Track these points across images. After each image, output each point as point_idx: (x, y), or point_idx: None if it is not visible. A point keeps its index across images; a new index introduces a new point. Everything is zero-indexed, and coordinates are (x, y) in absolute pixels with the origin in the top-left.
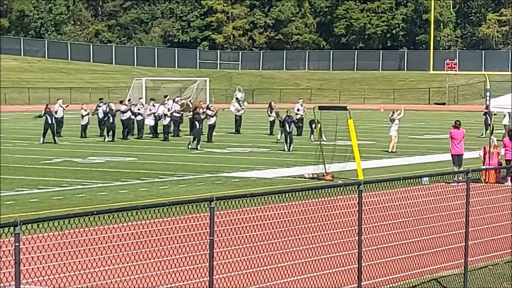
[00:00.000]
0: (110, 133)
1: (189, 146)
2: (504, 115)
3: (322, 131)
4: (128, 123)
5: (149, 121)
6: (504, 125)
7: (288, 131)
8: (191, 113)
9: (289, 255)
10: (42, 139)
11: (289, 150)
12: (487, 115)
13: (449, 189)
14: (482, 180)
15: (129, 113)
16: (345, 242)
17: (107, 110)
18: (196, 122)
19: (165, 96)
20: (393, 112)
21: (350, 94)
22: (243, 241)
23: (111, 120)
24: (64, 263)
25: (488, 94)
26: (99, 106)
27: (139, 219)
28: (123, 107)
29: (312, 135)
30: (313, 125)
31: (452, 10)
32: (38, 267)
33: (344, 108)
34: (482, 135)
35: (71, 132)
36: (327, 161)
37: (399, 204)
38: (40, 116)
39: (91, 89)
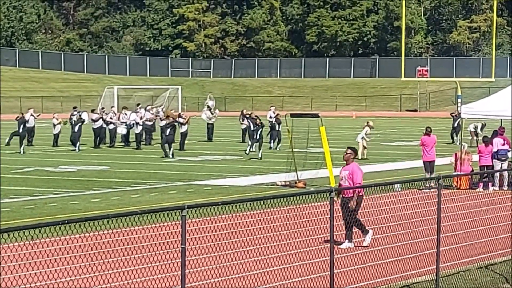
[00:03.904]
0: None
1: (171, 156)
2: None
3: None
4: (100, 131)
5: (121, 130)
6: (470, 131)
7: (257, 138)
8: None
9: (262, 263)
10: (20, 148)
11: (260, 158)
12: (454, 118)
13: (420, 195)
14: (454, 186)
15: (100, 122)
16: (317, 249)
17: (76, 119)
18: (168, 129)
19: (137, 105)
20: (367, 123)
21: (322, 102)
22: (215, 249)
23: (76, 130)
24: (36, 273)
25: (459, 100)
26: (73, 115)
27: (111, 228)
28: (94, 116)
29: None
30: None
31: (423, 17)
32: (9, 277)
33: (316, 116)
34: (453, 142)
35: (43, 141)
36: (299, 168)
37: (371, 210)
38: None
39: (63, 98)
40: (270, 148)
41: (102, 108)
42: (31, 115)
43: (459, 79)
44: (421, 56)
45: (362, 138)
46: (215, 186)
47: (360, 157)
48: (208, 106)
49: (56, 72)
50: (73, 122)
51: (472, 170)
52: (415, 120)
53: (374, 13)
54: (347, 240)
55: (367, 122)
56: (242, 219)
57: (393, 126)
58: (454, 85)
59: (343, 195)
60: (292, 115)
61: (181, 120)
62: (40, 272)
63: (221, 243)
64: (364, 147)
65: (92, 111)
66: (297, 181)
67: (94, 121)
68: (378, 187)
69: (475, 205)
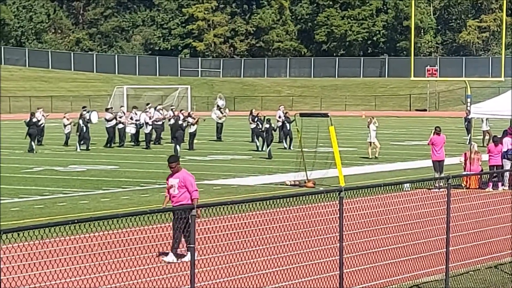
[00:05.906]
0: (83, 142)
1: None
2: (482, 120)
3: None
4: (113, 131)
5: (130, 129)
6: (483, 131)
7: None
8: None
9: (271, 262)
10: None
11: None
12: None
13: (430, 195)
14: (463, 186)
15: (114, 121)
16: (327, 249)
17: (83, 119)
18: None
19: (147, 104)
20: (371, 118)
21: (332, 101)
22: (224, 248)
23: (84, 130)
24: (45, 272)
25: (468, 100)
26: (83, 115)
27: (120, 228)
28: (108, 115)
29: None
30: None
31: (432, 17)
32: (19, 276)
33: (325, 115)
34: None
35: (52, 140)
36: (308, 168)
37: (380, 210)
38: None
39: (72, 98)
40: (284, 148)
41: (110, 108)
42: (42, 115)
43: (469, 79)
44: (431, 56)
45: (375, 136)
46: (224, 185)
47: (370, 156)
48: (218, 106)
49: (66, 71)
50: (82, 123)
51: (482, 170)
52: (425, 119)
53: (383, 12)
54: (172, 253)
55: (370, 119)
56: (251, 219)
57: (403, 125)
58: (463, 85)
59: (174, 204)
60: (301, 115)
61: (190, 120)
62: (50, 271)
63: (230, 243)
64: (376, 146)
65: (106, 110)
66: (306, 181)
67: (108, 120)
68: (387, 187)
69: (484, 205)
